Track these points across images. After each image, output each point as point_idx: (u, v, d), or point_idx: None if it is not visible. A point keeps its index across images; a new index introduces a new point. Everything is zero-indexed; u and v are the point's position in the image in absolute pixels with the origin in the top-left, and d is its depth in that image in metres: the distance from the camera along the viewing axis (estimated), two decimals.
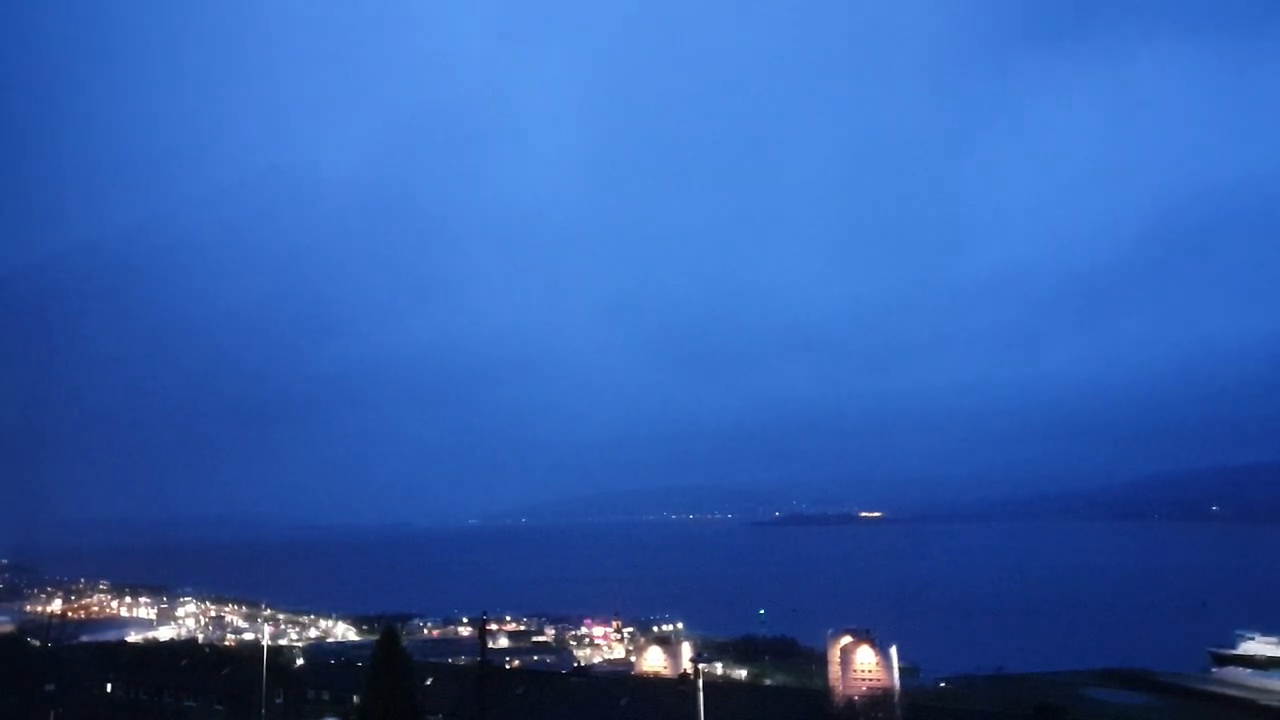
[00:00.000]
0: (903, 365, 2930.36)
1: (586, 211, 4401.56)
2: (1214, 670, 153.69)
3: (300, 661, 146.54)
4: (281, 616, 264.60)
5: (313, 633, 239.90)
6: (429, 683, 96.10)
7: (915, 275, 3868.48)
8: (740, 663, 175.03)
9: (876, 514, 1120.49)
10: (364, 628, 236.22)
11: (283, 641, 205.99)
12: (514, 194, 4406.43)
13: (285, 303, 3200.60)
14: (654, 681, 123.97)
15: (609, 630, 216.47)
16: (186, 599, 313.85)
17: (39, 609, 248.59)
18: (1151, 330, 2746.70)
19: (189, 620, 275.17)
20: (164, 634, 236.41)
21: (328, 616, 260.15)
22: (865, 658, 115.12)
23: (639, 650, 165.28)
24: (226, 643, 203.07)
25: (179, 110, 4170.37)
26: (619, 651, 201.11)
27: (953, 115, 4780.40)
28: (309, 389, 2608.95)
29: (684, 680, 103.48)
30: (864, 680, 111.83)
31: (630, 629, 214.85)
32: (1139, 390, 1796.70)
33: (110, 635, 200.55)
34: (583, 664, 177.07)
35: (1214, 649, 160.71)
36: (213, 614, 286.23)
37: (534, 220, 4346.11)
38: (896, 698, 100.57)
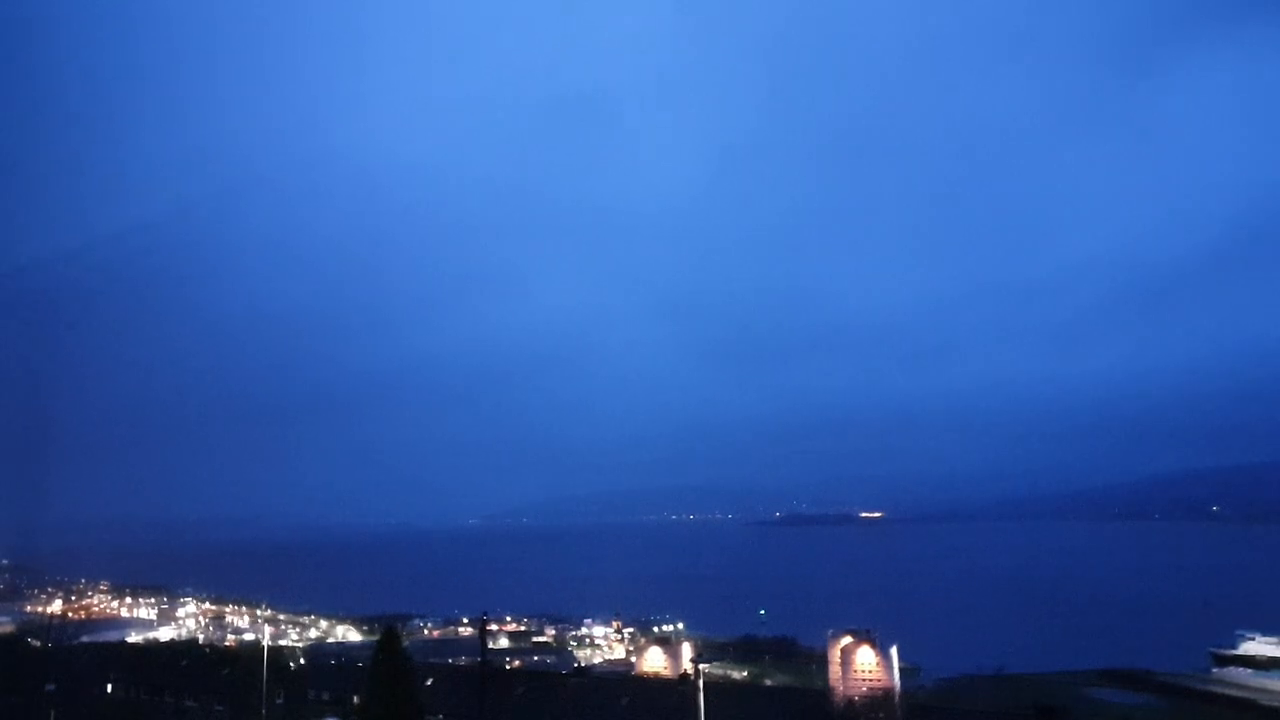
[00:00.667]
0: (944, 364, 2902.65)
1: (669, 205, 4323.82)
2: (1214, 670, 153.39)
3: (300, 662, 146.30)
4: (282, 617, 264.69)
5: (313, 633, 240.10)
6: (429, 683, 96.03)
7: (982, 271, 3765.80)
8: (740, 663, 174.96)
9: (877, 514, 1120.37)
10: (364, 628, 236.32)
11: (283, 642, 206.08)
12: (599, 186, 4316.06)
13: (309, 301, 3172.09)
14: (654, 681, 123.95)
15: (609, 630, 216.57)
16: (187, 599, 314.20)
17: (39, 609, 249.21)
18: (1185, 334, 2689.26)
19: (189, 620, 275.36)
20: (164, 634, 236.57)
21: (328, 617, 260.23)
22: (865, 658, 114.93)
23: (639, 650, 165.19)
24: (227, 643, 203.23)
25: (210, 99, 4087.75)
26: (619, 652, 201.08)
27: (1059, 109, 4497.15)
28: (324, 391, 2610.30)
29: (684, 680, 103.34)
30: (864, 680, 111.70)
31: (630, 629, 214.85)
32: (1152, 392, 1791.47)
33: (111, 636, 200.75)
34: (583, 664, 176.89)
35: (1214, 649, 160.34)
36: (213, 614, 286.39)
37: (611, 213, 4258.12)
38: (897, 698, 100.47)
